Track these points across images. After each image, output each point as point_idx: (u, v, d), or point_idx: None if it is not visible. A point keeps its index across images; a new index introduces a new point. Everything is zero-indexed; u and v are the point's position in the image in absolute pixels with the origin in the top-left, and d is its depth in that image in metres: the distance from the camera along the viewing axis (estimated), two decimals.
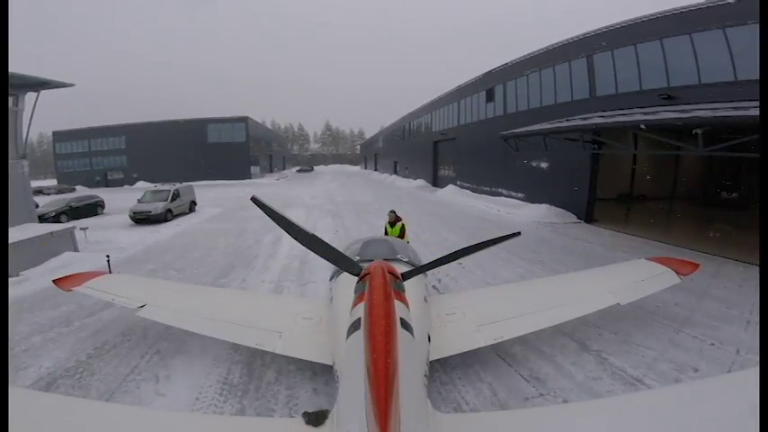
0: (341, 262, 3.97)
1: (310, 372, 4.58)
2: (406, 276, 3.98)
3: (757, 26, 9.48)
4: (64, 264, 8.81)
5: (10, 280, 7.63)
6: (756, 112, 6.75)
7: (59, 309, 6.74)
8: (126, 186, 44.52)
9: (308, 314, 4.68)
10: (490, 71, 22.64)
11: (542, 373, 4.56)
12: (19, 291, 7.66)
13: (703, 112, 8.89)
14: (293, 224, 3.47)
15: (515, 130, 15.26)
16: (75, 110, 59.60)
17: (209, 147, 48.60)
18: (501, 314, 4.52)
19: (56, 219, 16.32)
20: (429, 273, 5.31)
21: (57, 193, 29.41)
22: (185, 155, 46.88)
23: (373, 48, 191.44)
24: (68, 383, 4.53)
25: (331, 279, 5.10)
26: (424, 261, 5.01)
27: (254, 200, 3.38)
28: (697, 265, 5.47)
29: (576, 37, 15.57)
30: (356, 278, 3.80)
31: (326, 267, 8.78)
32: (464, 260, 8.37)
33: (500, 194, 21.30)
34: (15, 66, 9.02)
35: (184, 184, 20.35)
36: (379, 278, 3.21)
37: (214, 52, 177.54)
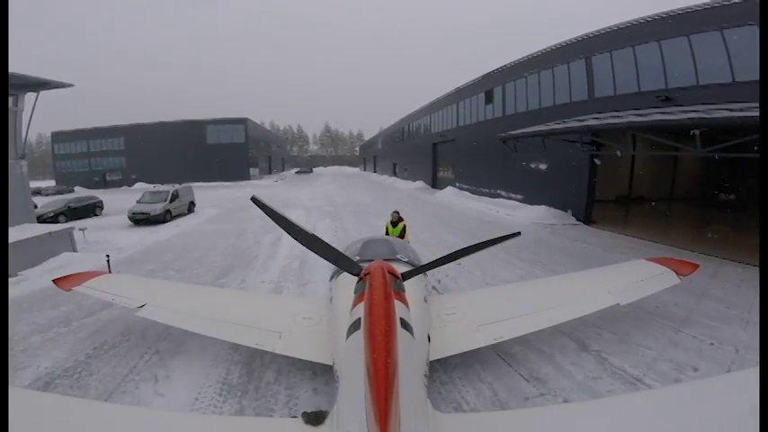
0: (341, 262, 3.96)
1: (310, 372, 4.57)
2: (406, 276, 3.98)
3: (755, 28, 9.55)
4: (62, 264, 8.79)
5: (10, 280, 7.61)
6: (749, 114, 6.78)
7: (58, 309, 6.71)
8: (124, 187, 44.49)
9: (307, 314, 4.67)
10: (489, 73, 22.72)
11: (542, 373, 4.56)
12: (17, 291, 7.62)
13: (696, 113, 8.93)
14: (293, 224, 3.47)
15: (514, 132, 15.30)
16: (74, 111, 59.52)
17: (208, 148, 48.67)
18: (501, 314, 4.51)
19: (54, 219, 16.29)
20: (429, 273, 5.32)
21: (55, 194, 29.38)
22: (184, 156, 46.93)
23: (373, 49, 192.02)
24: (66, 383, 4.51)
25: (331, 279, 5.09)
26: (424, 262, 5.01)
27: (254, 200, 3.38)
28: (697, 266, 5.48)
29: (575, 39, 15.63)
30: (356, 278, 3.80)
31: (326, 268, 8.79)
32: (463, 261, 8.42)
33: (499, 196, 21.33)
34: (14, 66, 9.02)
35: (183, 184, 20.34)
36: (379, 278, 3.21)
37: (213, 52, 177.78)
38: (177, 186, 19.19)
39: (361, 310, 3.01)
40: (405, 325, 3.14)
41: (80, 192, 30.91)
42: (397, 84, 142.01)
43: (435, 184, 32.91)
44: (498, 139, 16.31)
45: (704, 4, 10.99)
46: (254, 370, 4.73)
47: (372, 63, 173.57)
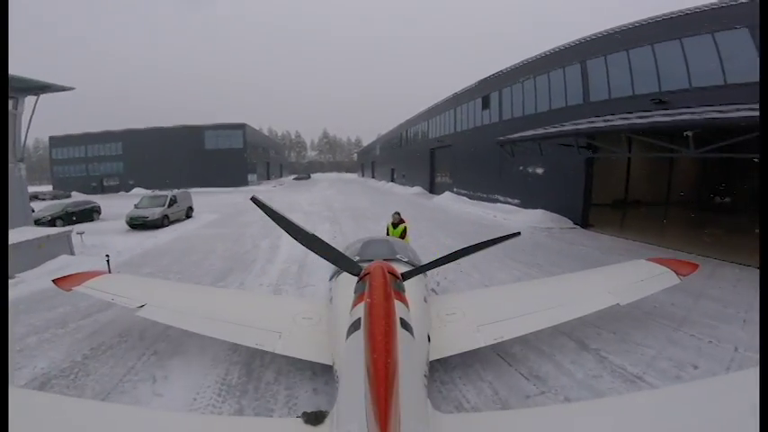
0: (341, 262, 3.96)
1: (310, 372, 4.55)
2: (406, 276, 3.97)
3: (745, 30, 9.73)
4: (60, 267, 8.74)
5: (8, 281, 7.56)
6: (748, 114, 6.88)
7: (55, 311, 6.66)
8: (122, 193, 44.34)
9: (307, 314, 4.67)
10: (486, 78, 22.96)
11: (542, 372, 4.56)
12: (15, 292, 7.58)
13: (689, 114, 9.08)
14: (293, 224, 3.48)
15: (511, 136, 15.44)
16: (72, 115, 59.71)
17: (207, 153, 48.71)
18: (501, 314, 4.51)
19: (51, 223, 16.19)
20: (428, 274, 5.33)
21: (52, 199, 29.27)
22: (182, 161, 46.96)
23: (372, 55, 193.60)
24: (63, 384, 4.48)
25: (331, 279, 5.09)
26: (423, 263, 5.03)
27: (254, 200, 3.41)
28: (696, 266, 5.50)
29: (570, 43, 15.85)
30: (356, 278, 3.79)
31: (324, 271, 8.87)
32: (461, 263, 8.50)
33: (496, 200, 21.43)
34: (12, 69, 9.04)
35: (181, 190, 20.32)
36: (379, 278, 3.21)
37: (211, 58, 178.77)
38: (176, 191, 19.19)
39: (361, 310, 3.00)
40: (405, 325, 3.13)
41: (77, 197, 30.79)
42: (395, 90, 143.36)
43: (433, 189, 33.01)
44: (496, 144, 16.45)
45: (696, 7, 11.20)
46: (254, 370, 4.70)
47: (371, 70, 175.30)
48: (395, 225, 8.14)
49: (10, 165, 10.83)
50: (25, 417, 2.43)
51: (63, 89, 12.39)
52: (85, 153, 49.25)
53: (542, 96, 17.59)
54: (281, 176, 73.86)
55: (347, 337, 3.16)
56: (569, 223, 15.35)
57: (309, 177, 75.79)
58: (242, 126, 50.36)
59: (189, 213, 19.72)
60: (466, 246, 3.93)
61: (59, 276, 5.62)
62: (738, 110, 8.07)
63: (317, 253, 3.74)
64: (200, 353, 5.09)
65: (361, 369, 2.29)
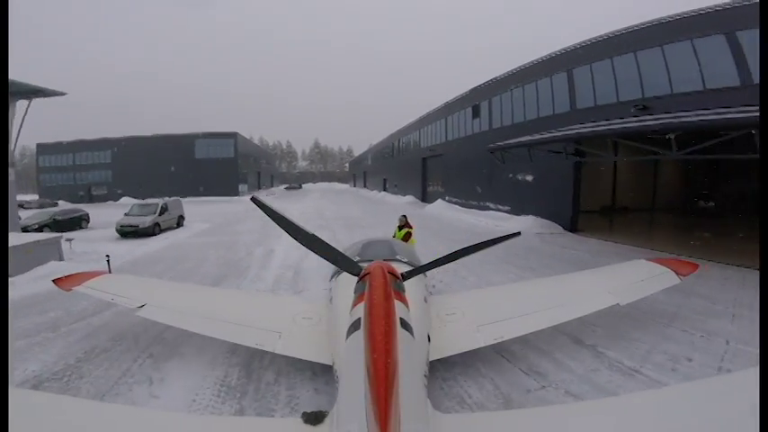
0: (341, 262, 3.96)
1: (310, 372, 4.53)
2: (406, 276, 3.99)
3: (721, 37, 10.21)
4: (49, 273, 8.49)
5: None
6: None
7: (46, 315, 6.52)
8: (110, 202, 43.57)
9: (307, 314, 4.66)
10: (475, 87, 23.44)
11: (542, 368, 4.61)
12: None
13: (670, 119, 9.45)
14: (293, 224, 3.49)
15: (501, 143, 15.73)
16: (59, 122, 58.78)
17: (197, 163, 48.26)
18: (501, 314, 4.53)
19: (39, 231, 15.84)
20: (427, 275, 5.36)
21: (38, 208, 28.58)
22: (172, 171, 46.46)
23: (363, 66, 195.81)
24: (56, 387, 4.37)
25: (331, 279, 5.11)
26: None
27: (254, 200, 3.43)
28: (696, 266, 5.56)
29: (557, 52, 16.36)
30: (356, 278, 3.80)
31: (319, 277, 8.87)
32: (457, 267, 8.58)
33: (487, 208, 21.68)
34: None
35: (172, 198, 20.10)
36: (379, 278, 3.21)
37: (201, 67, 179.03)
38: (167, 199, 18.98)
39: (360, 310, 3.00)
40: (405, 325, 3.14)
41: (64, 206, 30.14)
42: (387, 100, 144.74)
43: (425, 197, 33.23)
44: (486, 152, 16.73)
45: (675, 15, 11.71)
46: (254, 371, 4.66)
47: (363, 80, 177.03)
48: (400, 228, 8.26)
49: None
50: (25, 416, 2.40)
51: (55, 94, 12.27)
52: (73, 161, 48.39)
53: (531, 104, 18.02)
54: (271, 186, 73.50)
55: (347, 337, 3.16)
56: (559, 228, 15.61)
57: (301, 187, 75.58)
58: (233, 135, 50.14)
59: (180, 222, 19.48)
60: (466, 246, 3.97)
61: (59, 276, 5.57)
62: (727, 112, 8.42)
63: (317, 253, 3.75)
64: (198, 353, 5.02)
65: (361, 369, 2.29)
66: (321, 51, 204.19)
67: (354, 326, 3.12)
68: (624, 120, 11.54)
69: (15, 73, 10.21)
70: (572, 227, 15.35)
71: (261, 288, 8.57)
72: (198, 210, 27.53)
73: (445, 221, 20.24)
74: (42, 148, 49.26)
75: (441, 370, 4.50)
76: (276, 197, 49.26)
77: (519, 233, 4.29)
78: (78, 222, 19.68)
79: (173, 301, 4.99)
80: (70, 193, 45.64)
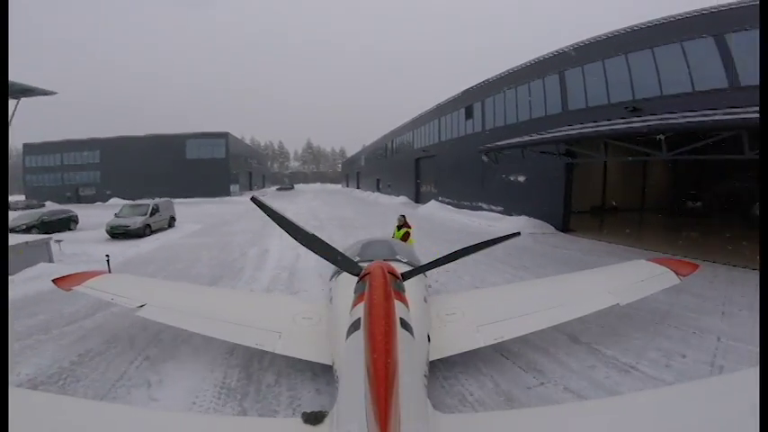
0: (341, 262, 3.95)
1: (310, 373, 4.52)
2: (405, 276, 4.00)
3: (710, 39, 10.47)
4: (39, 274, 8.39)
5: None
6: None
7: (37, 317, 6.39)
8: (98, 203, 42.79)
9: (307, 314, 4.66)
10: (468, 89, 23.60)
11: (540, 364, 4.68)
12: None
13: (657, 121, 9.66)
14: (293, 224, 3.49)
15: (495, 144, 15.87)
16: (48, 121, 57.57)
17: (188, 163, 47.61)
18: (501, 314, 4.55)
19: (27, 232, 15.47)
20: (427, 274, 5.38)
21: (25, 208, 27.93)
22: (163, 171, 45.68)
23: (356, 67, 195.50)
24: (52, 390, 4.28)
25: (331, 279, 5.10)
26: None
27: (254, 200, 3.43)
28: (696, 266, 5.60)
29: (549, 54, 16.57)
30: (356, 278, 3.80)
31: (316, 277, 8.85)
32: (453, 267, 8.63)
33: (480, 208, 21.83)
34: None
35: (164, 199, 19.82)
36: (379, 278, 3.21)
37: (192, 65, 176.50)
38: (158, 200, 18.71)
39: (360, 310, 3.00)
40: (405, 325, 3.15)
41: (51, 207, 29.52)
42: (383, 101, 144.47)
43: (418, 198, 33.33)
44: (479, 153, 16.84)
45: (665, 17, 11.95)
46: (253, 374, 4.63)
47: (359, 80, 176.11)
48: (399, 227, 8.29)
49: None
50: (25, 416, 2.38)
51: (46, 93, 12.01)
52: (61, 161, 47.35)
53: (523, 106, 18.22)
54: (263, 187, 72.91)
55: (347, 337, 3.16)
56: (551, 228, 15.81)
57: (293, 188, 75.14)
58: (224, 135, 49.61)
59: (171, 223, 19.23)
60: (465, 246, 4.00)
61: (59, 276, 5.51)
62: (707, 114, 8.64)
63: (317, 253, 3.74)
64: (195, 353, 4.98)
65: (361, 369, 2.29)
66: (318, 51, 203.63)
67: (354, 326, 3.12)
68: (611, 122, 11.75)
69: (11, 73, 9.98)
70: (564, 227, 15.56)
71: (256, 290, 8.52)
72: (189, 210, 27.20)
73: (438, 222, 20.33)
74: (29, 149, 48.15)
75: (442, 369, 4.53)
76: (268, 198, 48.78)
77: (518, 233, 4.33)
78: (67, 223, 19.29)
79: (173, 301, 4.96)
80: (57, 193, 44.67)
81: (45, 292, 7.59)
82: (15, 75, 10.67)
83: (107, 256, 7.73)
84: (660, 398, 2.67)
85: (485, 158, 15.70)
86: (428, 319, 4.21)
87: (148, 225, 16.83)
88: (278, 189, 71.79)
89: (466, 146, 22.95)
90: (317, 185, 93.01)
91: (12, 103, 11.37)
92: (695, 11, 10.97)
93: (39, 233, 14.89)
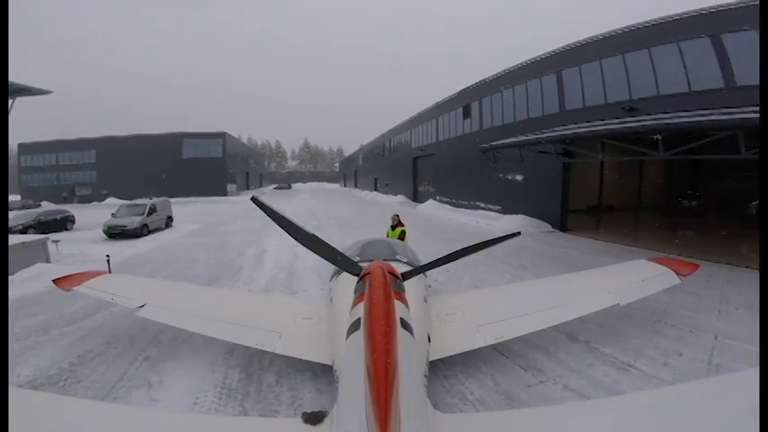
0: (341, 262, 3.95)
1: (310, 373, 4.53)
2: (405, 276, 4.01)
3: (707, 40, 10.53)
4: (36, 275, 8.35)
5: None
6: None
7: (36, 318, 6.36)
8: (95, 203, 42.58)
9: (307, 314, 4.65)
10: (466, 88, 23.64)
11: (539, 363, 4.71)
12: None
13: (651, 120, 9.73)
14: (293, 224, 3.48)
15: (493, 143, 15.91)
16: (43, 121, 57.13)
17: (185, 162, 47.45)
18: (501, 314, 4.56)
19: (23, 233, 15.37)
20: (427, 274, 5.39)
21: (20, 209, 27.72)
22: (159, 170, 45.53)
23: (354, 66, 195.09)
24: (52, 391, 4.28)
25: (331, 279, 5.10)
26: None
27: (254, 200, 3.43)
28: (697, 266, 5.61)
29: (547, 54, 16.62)
30: (356, 278, 3.80)
31: (315, 277, 8.86)
32: (452, 266, 8.65)
33: (478, 207, 21.89)
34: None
35: (161, 198, 19.74)
36: (379, 278, 3.22)
37: (188, 65, 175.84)
38: (155, 200, 18.64)
39: (361, 310, 3.00)
40: (405, 325, 3.15)
41: (47, 207, 29.33)
42: (382, 101, 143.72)
43: (416, 197, 33.38)
44: (477, 152, 16.91)
45: (662, 17, 12.01)
46: (253, 374, 4.64)
47: (358, 80, 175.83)
48: (393, 227, 8.26)
49: None
50: (25, 417, 2.38)
51: (42, 93, 11.92)
52: (57, 161, 47.13)
53: (520, 105, 18.27)
54: (260, 186, 72.79)
55: (347, 337, 3.16)
56: (549, 227, 15.90)
57: (290, 187, 74.92)
58: (222, 135, 49.47)
59: (168, 223, 19.16)
60: (465, 246, 4.01)
61: (59, 276, 5.48)
62: (705, 114, 8.70)
63: (316, 253, 3.74)
64: (195, 356, 4.98)
65: (361, 369, 2.30)
66: (317, 51, 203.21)
67: (354, 326, 3.13)
68: (606, 122, 11.81)
69: (11, 72, 9.90)
70: (561, 226, 15.63)
71: (254, 290, 8.50)
72: (186, 210, 27.10)
73: (436, 221, 20.37)
74: (24, 148, 47.90)
75: (442, 368, 4.55)
76: (265, 197, 48.51)
77: (519, 233, 4.36)
78: (63, 223, 19.19)
79: (173, 301, 4.95)
80: (53, 193, 44.42)
81: (43, 292, 7.57)
82: (14, 75, 10.63)
83: (107, 256, 7.71)
84: (660, 398, 2.68)
85: (491, 157, 15.75)
86: (428, 319, 4.21)
87: (145, 225, 16.77)
88: (275, 188, 71.60)
89: (464, 145, 23.01)
90: (315, 185, 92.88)
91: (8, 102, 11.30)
92: (693, 11, 11.02)
93: (35, 233, 14.84)
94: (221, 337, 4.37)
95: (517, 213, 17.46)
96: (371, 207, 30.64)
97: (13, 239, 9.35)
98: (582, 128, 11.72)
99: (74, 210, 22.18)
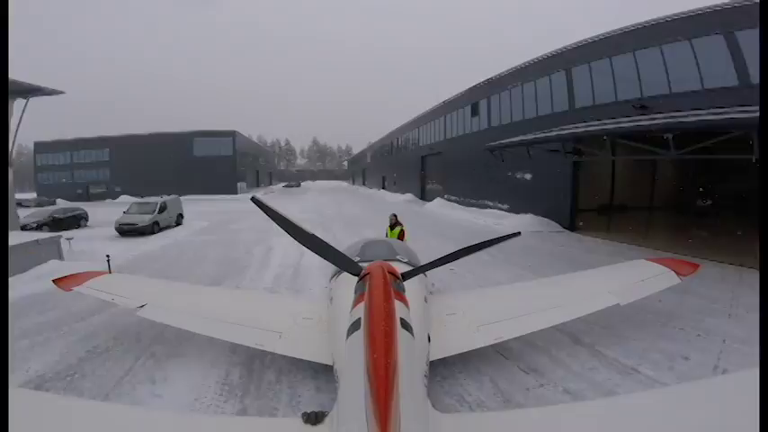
0: (341, 262, 3.96)
1: (311, 371, 4.56)
2: (406, 276, 4.01)
3: (720, 37, 10.24)
4: (50, 272, 8.49)
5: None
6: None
7: (47, 314, 6.55)
8: (108, 200, 43.47)
9: (308, 314, 4.67)
10: (474, 86, 23.43)
11: (540, 365, 4.67)
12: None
13: (664, 119, 9.51)
14: (293, 224, 3.48)
15: (500, 141, 15.76)
16: (56, 121, 58.41)
17: (195, 161, 48.03)
18: (501, 314, 4.55)
19: (38, 230, 15.83)
20: (428, 274, 5.38)
21: (36, 206, 28.48)
22: (170, 169, 46.17)
23: (362, 64, 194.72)
24: (59, 386, 4.42)
25: (331, 279, 5.10)
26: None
27: (254, 200, 3.42)
28: (697, 266, 5.57)
29: (556, 51, 16.37)
30: (356, 278, 3.80)
31: (320, 275, 8.90)
32: (456, 266, 8.61)
33: (486, 206, 21.73)
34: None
35: (171, 196, 20.04)
36: (380, 278, 3.23)
37: (199, 65, 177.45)
38: (165, 198, 18.93)
39: (361, 310, 3.02)
40: (405, 325, 3.14)
41: (62, 204, 30.07)
42: (389, 99, 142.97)
43: (424, 196, 33.29)
44: (485, 150, 16.75)
45: (674, 15, 11.73)
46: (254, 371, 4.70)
47: (365, 78, 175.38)
48: (391, 227, 8.23)
49: None
50: (25, 417, 2.40)
51: (54, 93, 12.20)
52: (71, 159, 48.21)
53: (529, 103, 18.05)
54: (270, 184, 73.38)
55: (347, 337, 3.16)
56: (557, 227, 15.70)
57: (299, 185, 75.44)
58: (232, 133, 49.96)
59: (179, 220, 19.45)
60: (467, 246, 3.99)
61: (59, 276, 5.55)
62: (725, 111, 8.46)
63: (316, 253, 3.74)
64: (198, 354, 5.05)
65: (362, 369, 2.30)
66: (324, 50, 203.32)
67: (354, 326, 3.13)
68: (617, 120, 11.59)
69: (20, 73, 10.20)
70: (571, 225, 15.44)
71: (261, 287, 8.60)
72: (197, 208, 27.49)
73: (444, 219, 20.31)
74: (40, 147, 49.03)
75: (440, 367, 4.52)
76: (275, 195, 49.22)
77: (519, 233, 4.32)
78: (77, 221, 19.64)
79: (173, 301, 5.00)
80: (68, 191, 45.46)
81: (54, 289, 7.67)
82: (27, 75, 10.95)
83: (107, 256, 7.85)
84: (660, 398, 2.68)
85: (498, 155, 15.61)
86: (428, 318, 4.20)
87: (156, 222, 17.05)
88: (285, 186, 72.16)
89: (472, 143, 22.83)
90: (324, 183, 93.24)
91: (21, 102, 11.58)
92: (705, 8, 10.73)
93: (49, 230, 15.24)
94: (221, 337, 4.41)
95: (526, 212, 17.30)
96: (379, 205, 30.62)
97: (27, 237, 9.62)
98: (591, 126, 11.52)
99: (87, 207, 22.69)
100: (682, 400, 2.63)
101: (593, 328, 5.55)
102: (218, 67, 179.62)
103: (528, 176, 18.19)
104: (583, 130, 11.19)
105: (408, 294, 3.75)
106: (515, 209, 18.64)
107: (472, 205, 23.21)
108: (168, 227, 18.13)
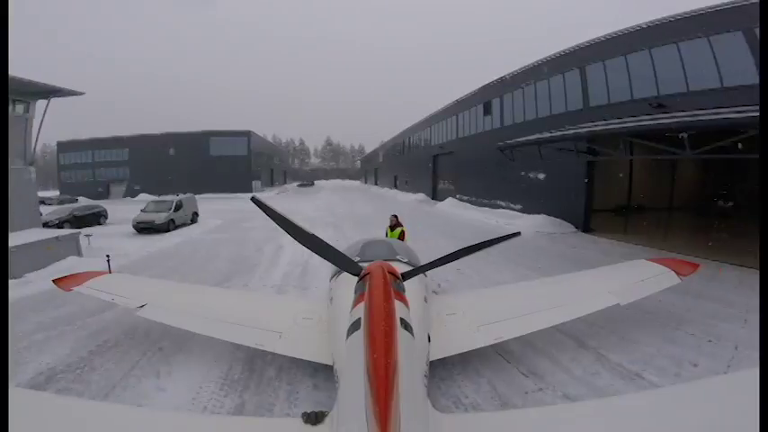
0: (341, 262, 3.96)
1: (311, 369, 4.60)
2: (406, 276, 4.00)
3: (739, 34, 9.83)
4: (68, 268, 8.85)
5: (14, 281, 7.73)
6: (747, 115, 6.94)
7: (62, 309, 6.81)
8: (128, 198, 44.78)
9: (308, 314, 4.69)
10: (487, 84, 23.14)
11: (540, 369, 4.60)
12: (23, 292, 7.80)
13: (684, 117, 9.18)
14: (293, 224, 3.49)
15: (511, 141, 15.53)
16: (75, 120, 60.32)
17: (212, 160, 49.01)
18: (501, 314, 4.52)
19: (59, 227, 16.39)
20: (429, 275, 5.35)
21: (59, 204, 29.57)
22: (187, 168, 47.25)
23: (375, 63, 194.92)
24: (70, 378, 4.59)
25: (331, 279, 5.11)
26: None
27: (254, 200, 3.45)
28: (697, 266, 5.48)
29: (569, 49, 16.01)
30: (356, 278, 3.81)
31: (327, 274, 8.95)
32: (462, 265, 8.54)
33: (498, 206, 21.44)
34: (22, 72, 9.15)
35: (187, 194, 20.50)
36: (380, 278, 3.22)
37: (215, 65, 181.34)
38: (181, 196, 19.39)
39: (361, 310, 3.02)
40: (405, 325, 3.14)
41: (83, 202, 31.15)
42: (399, 97, 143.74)
43: (436, 195, 33.07)
44: (497, 149, 16.54)
45: (691, 11, 11.32)
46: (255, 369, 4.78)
47: (378, 78, 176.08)
48: (392, 227, 8.21)
49: (21, 168, 11.04)
50: (25, 417, 2.43)
51: (73, 94, 12.65)
52: (92, 158, 49.94)
53: (543, 102, 17.71)
54: (284, 183, 74.23)
55: (347, 337, 3.17)
56: (571, 228, 15.36)
57: (313, 184, 76.05)
58: (247, 133, 50.81)
59: (194, 218, 19.87)
60: (467, 246, 3.96)
61: (59, 276, 5.65)
62: (742, 110, 8.13)
63: (316, 253, 3.74)
64: (203, 350, 5.17)
65: (362, 369, 2.31)
66: (336, 51, 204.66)
67: (354, 326, 3.14)
68: (638, 118, 11.23)
69: (20, 73, 10.48)
70: (585, 226, 15.09)
71: (269, 284, 8.72)
72: (212, 206, 28.05)
73: (455, 219, 20.16)
74: (62, 146, 50.91)
75: (438, 368, 4.50)
76: (289, 194, 49.83)
77: (519, 233, 4.25)
78: (97, 218, 20.28)
79: (173, 301, 5.05)
80: (90, 189, 47.05)
81: None
82: (26, 76, 11.22)
83: (107, 255, 8.07)
84: (660, 398, 2.64)
85: (509, 155, 15.39)
86: (428, 318, 4.20)
87: (172, 220, 17.46)
88: (299, 185, 72.87)
89: (484, 142, 22.54)
90: (337, 182, 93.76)
91: (42, 103, 12.06)
92: (723, 4, 10.32)
93: (70, 227, 15.80)
94: (222, 336, 4.45)
95: (539, 213, 16.99)
96: (391, 205, 30.58)
97: (48, 234, 10.01)
98: (603, 125, 11.23)
99: (107, 205, 23.41)
100: (681, 400, 2.61)
101: (599, 332, 5.43)
102: (235, 71, 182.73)
103: (541, 176, 17.87)
104: (602, 128, 10.87)
105: (408, 294, 3.75)
106: (528, 209, 18.34)
107: (484, 205, 22.94)
108: (184, 224, 18.55)
